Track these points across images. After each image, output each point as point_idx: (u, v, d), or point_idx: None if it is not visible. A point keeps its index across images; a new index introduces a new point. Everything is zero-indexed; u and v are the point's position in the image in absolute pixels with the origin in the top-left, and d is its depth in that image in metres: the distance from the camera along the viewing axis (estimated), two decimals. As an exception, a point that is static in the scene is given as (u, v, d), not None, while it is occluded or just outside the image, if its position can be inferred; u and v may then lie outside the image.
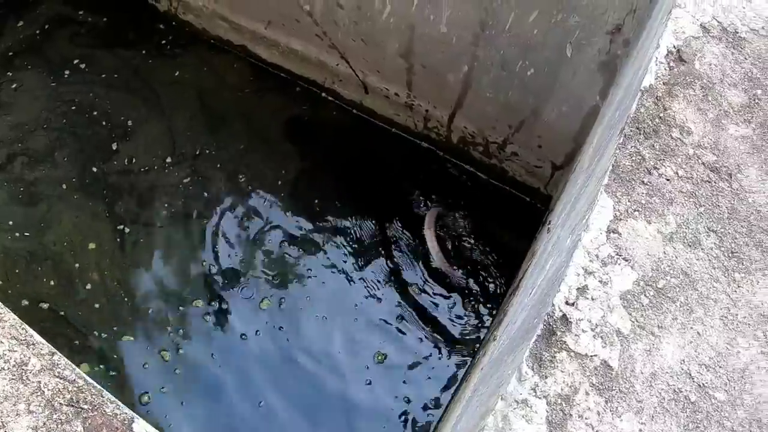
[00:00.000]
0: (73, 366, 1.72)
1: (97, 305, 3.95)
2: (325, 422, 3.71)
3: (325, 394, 3.79)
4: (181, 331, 3.91)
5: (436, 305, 4.06)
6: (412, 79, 4.28)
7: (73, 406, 1.65)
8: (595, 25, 3.10)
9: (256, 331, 3.94)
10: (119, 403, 1.69)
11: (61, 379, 1.69)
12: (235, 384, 3.79)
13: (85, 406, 1.65)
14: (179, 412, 3.69)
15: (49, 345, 1.76)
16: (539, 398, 1.58)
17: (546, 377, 1.60)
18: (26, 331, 1.76)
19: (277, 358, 3.88)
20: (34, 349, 1.73)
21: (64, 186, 4.38)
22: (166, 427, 3.63)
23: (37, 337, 1.77)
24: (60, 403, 1.65)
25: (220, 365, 3.83)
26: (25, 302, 3.99)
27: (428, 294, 4.09)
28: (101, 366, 3.76)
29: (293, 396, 3.77)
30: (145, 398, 3.69)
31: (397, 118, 4.66)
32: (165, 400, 3.71)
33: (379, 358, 3.86)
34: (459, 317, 4.03)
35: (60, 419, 1.63)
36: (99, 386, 1.70)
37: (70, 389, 1.68)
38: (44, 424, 1.62)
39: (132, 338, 3.87)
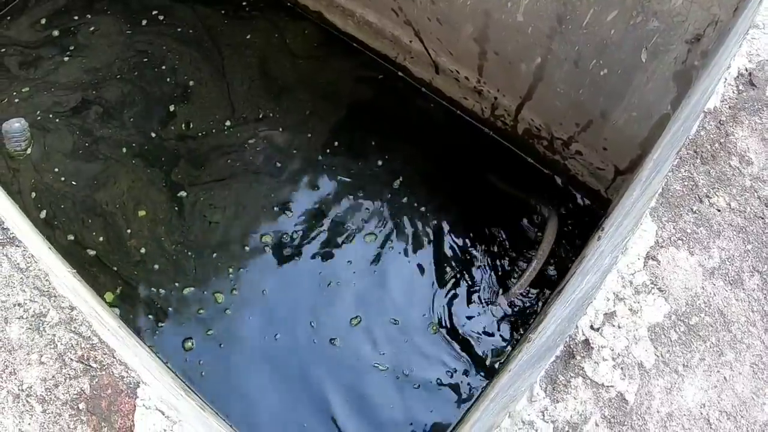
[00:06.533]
0: (90, 322, 1.73)
1: (156, 266, 3.93)
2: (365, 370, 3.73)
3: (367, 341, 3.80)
4: (241, 270, 3.93)
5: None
6: (484, 64, 4.18)
7: (83, 362, 1.67)
8: (674, 33, 2.94)
9: (300, 274, 3.97)
10: (129, 365, 1.70)
11: (76, 334, 1.71)
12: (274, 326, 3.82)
13: (95, 365, 1.67)
14: (216, 355, 3.70)
15: (71, 299, 1.78)
16: (547, 422, 1.52)
17: (557, 401, 1.53)
18: (50, 283, 1.78)
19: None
20: (54, 302, 1.75)
21: (125, 150, 4.35)
22: (199, 372, 3.63)
23: (60, 290, 1.79)
24: (71, 359, 1.67)
25: (268, 305, 3.87)
26: (70, 237, 3.97)
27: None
28: (150, 316, 3.77)
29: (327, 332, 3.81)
30: (189, 344, 3.70)
31: (464, 101, 4.57)
32: (208, 343, 3.72)
33: (434, 328, 3.83)
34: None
35: (69, 374, 1.65)
36: (112, 346, 1.72)
37: (83, 345, 1.70)
38: (53, 377, 1.64)
39: (193, 288, 3.87)
